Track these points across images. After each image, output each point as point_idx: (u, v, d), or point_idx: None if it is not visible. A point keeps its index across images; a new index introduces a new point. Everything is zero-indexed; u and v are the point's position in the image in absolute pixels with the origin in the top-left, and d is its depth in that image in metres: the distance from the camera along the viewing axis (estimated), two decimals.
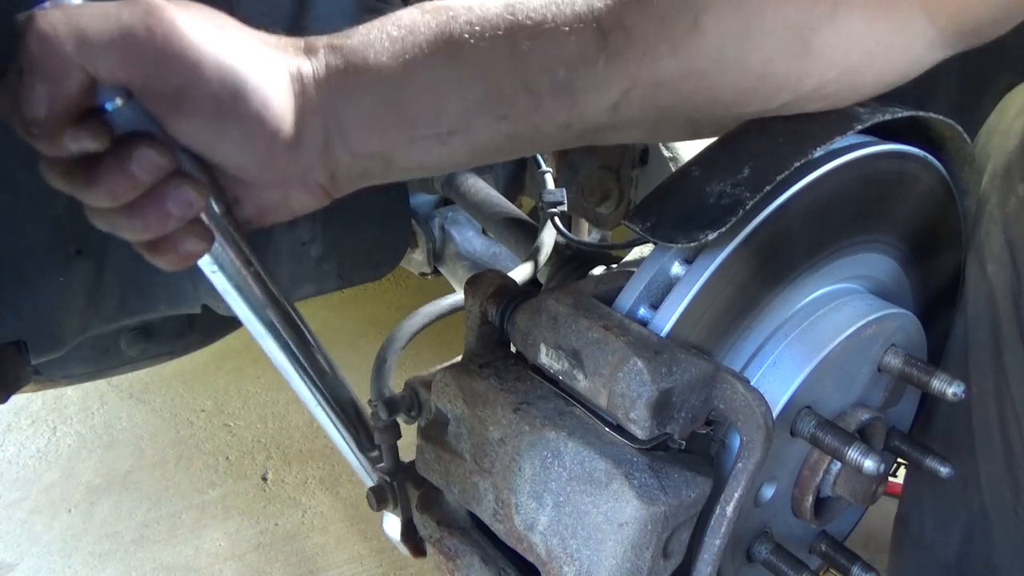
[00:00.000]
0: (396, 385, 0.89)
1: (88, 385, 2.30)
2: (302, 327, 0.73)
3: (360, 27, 0.60)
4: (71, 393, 2.36)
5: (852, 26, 0.60)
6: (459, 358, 0.72)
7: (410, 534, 0.89)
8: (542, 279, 1.13)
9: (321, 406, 0.79)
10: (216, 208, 0.60)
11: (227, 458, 2.15)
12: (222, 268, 0.64)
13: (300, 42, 0.60)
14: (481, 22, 0.59)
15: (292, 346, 0.72)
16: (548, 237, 1.10)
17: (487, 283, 0.70)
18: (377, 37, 0.59)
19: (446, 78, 0.59)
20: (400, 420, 0.86)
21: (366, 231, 1.07)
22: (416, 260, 1.41)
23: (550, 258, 1.11)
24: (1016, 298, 0.72)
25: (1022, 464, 0.75)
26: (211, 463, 2.14)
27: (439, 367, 0.70)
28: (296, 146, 0.59)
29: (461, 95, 0.60)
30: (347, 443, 0.86)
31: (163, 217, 0.54)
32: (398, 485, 0.86)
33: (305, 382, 0.76)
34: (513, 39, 0.59)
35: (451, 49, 0.59)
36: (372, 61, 0.58)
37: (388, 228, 1.11)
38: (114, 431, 2.26)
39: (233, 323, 1.16)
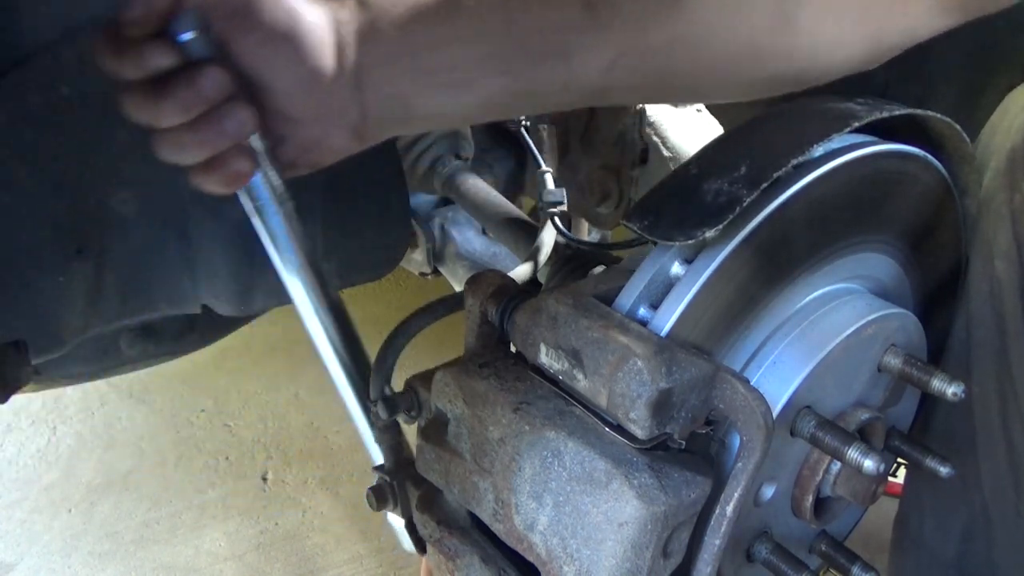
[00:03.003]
0: (396, 385, 0.89)
1: (88, 385, 2.30)
2: (324, 277, 0.78)
3: None
4: (71, 393, 2.36)
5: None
6: (459, 358, 0.72)
7: (411, 533, 0.89)
8: (542, 279, 1.13)
9: (333, 355, 0.82)
10: (261, 144, 0.68)
11: (227, 458, 2.15)
12: (260, 201, 0.71)
13: None
14: None
15: (314, 290, 0.77)
16: (548, 237, 1.10)
17: (487, 283, 0.70)
18: None
19: (452, 34, 0.67)
20: (400, 420, 0.86)
21: (366, 232, 1.07)
22: (416, 260, 1.41)
23: (550, 258, 1.11)
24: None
25: None
26: (211, 463, 2.14)
27: (439, 367, 0.70)
28: (334, 78, 0.67)
29: (465, 50, 0.68)
30: (353, 397, 0.87)
31: (220, 134, 0.63)
32: (398, 485, 0.86)
33: (322, 328, 0.80)
34: (508, 7, 0.66)
35: (456, 10, 0.67)
36: (391, 12, 0.68)
37: (388, 229, 1.11)
38: (114, 431, 2.26)
39: (233, 323, 1.16)
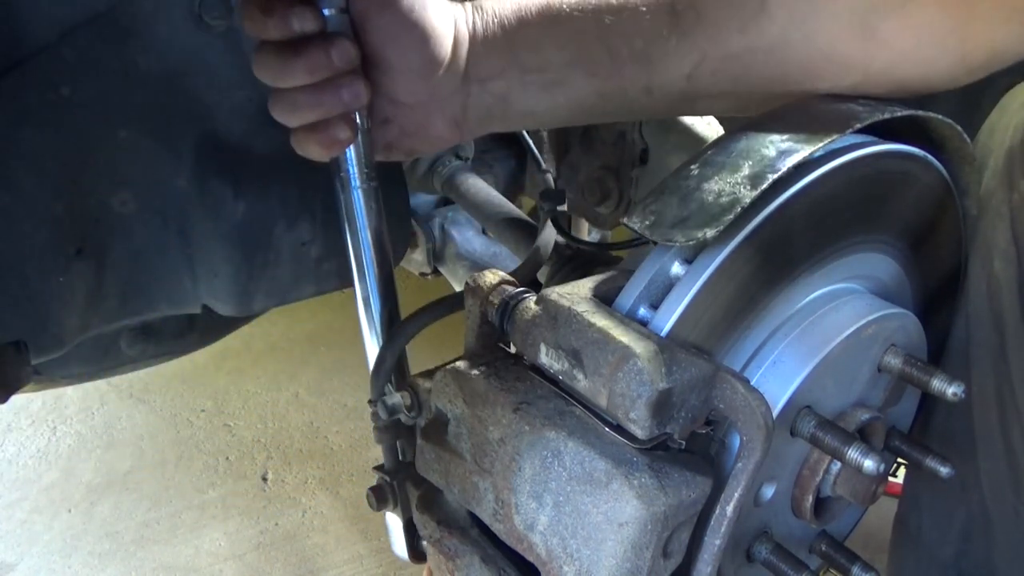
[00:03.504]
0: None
1: (88, 385, 2.30)
2: (388, 261, 0.83)
3: None
4: (71, 393, 2.36)
5: (923, 15, 0.63)
6: (459, 358, 0.72)
7: (410, 535, 0.89)
8: (542, 279, 1.13)
9: (375, 343, 0.85)
10: (363, 121, 0.74)
11: (227, 458, 2.15)
12: (347, 173, 0.77)
13: None
14: None
15: (375, 272, 0.81)
16: (548, 237, 1.10)
17: (487, 283, 0.70)
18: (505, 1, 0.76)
19: (548, 37, 0.73)
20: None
21: None
22: (416, 260, 1.41)
23: (550, 258, 1.11)
24: (1022, 292, 0.72)
25: None
26: (211, 463, 2.14)
27: (439, 367, 0.70)
28: (446, 68, 0.73)
29: (559, 52, 0.73)
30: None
31: (335, 100, 0.69)
32: (398, 485, 0.86)
33: (371, 311, 0.83)
34: (599, 14, 0.72)
35: (553, 15, 0.73)
36: (499, 13, 0.75)
37: (388, 228, 1.11)
38: (114, 431, 2.26)
39: (233, 323, 1.16)
